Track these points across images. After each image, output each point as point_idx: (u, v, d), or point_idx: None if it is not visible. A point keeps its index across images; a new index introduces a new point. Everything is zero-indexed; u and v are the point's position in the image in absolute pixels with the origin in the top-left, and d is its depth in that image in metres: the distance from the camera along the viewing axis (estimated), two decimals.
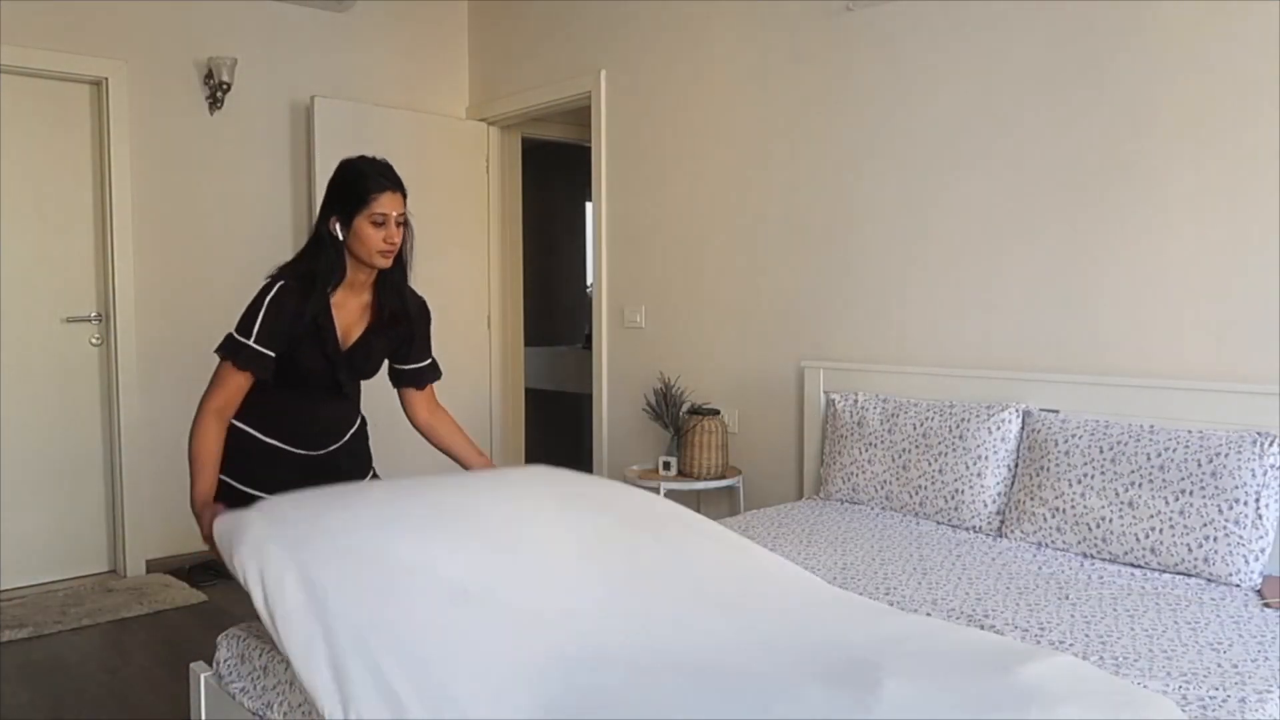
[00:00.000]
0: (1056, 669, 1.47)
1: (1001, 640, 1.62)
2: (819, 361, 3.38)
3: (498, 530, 1.76)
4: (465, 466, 2.41)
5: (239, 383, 2.15)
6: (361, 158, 2.24)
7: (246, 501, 2.02)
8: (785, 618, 1.70)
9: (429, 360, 2.44)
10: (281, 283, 2.16)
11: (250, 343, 2.13)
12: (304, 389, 2.26)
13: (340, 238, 2.18)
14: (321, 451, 2.36)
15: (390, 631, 1.48)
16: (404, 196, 2.22)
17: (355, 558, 1.60)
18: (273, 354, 2.15)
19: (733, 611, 1.71)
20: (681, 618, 1.67)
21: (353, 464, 2.43)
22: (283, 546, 1.61)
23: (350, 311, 2.27)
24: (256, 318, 2.14)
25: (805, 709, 1.37)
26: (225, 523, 1.74)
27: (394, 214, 2.17)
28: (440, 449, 2.45)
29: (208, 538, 1.90)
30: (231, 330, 2.16)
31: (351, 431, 2.43)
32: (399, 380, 2.43)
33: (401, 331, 2.34)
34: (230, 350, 2.14)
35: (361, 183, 2.17)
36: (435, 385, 2.46)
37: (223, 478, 2.24)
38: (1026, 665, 1.46)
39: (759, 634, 1.62)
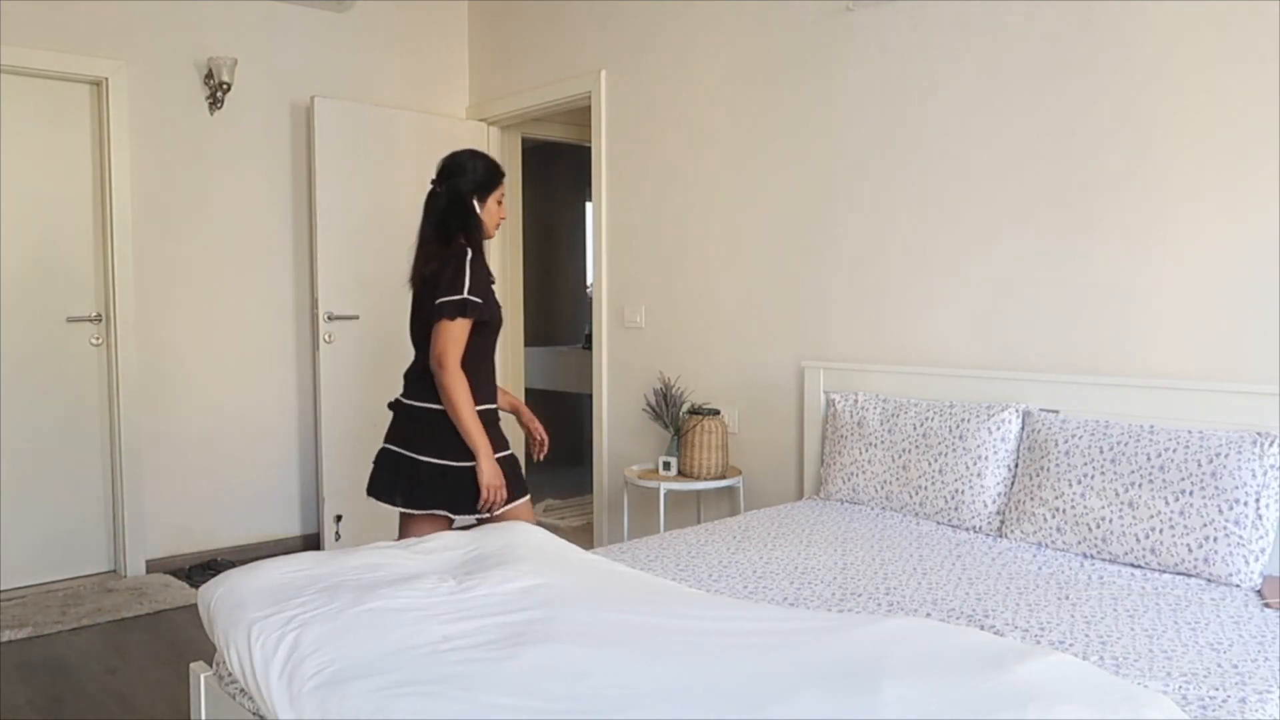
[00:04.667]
0: (1055, 668, 1.47)
1: (1000, 640, 1.62)
2: (819, 361, 3.38)
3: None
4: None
5: (466, 334, 2.52)
6: (476, 152, 2.70)
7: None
8: (777, 633, 1.69)
9: None
10: (469, 250, 2.56)
11: (471, 296, 2.49)
12: (489, 350, 2.65)
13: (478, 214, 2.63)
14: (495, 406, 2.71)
15: None
16: None
17: None
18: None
19: (721, 634, 1.70)
20: (674, 655, 1.64)
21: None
22: None
23: None
24: (465, 277, 2.50)
25: (803, 711, 1.37)
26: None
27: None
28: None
29: (499, 486, 2.51)
30: (448, 297, 2.48)
31: None
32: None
33: None
34: (459, 308, 2.48)
35: (495, 166, 2.70)
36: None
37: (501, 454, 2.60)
38: (1025, 664, 1.46)
39: (751, 647, 1.62)
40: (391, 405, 2.71)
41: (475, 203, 2.62)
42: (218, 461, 4.35)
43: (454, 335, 2.49)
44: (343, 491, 4.46)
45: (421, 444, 2.57)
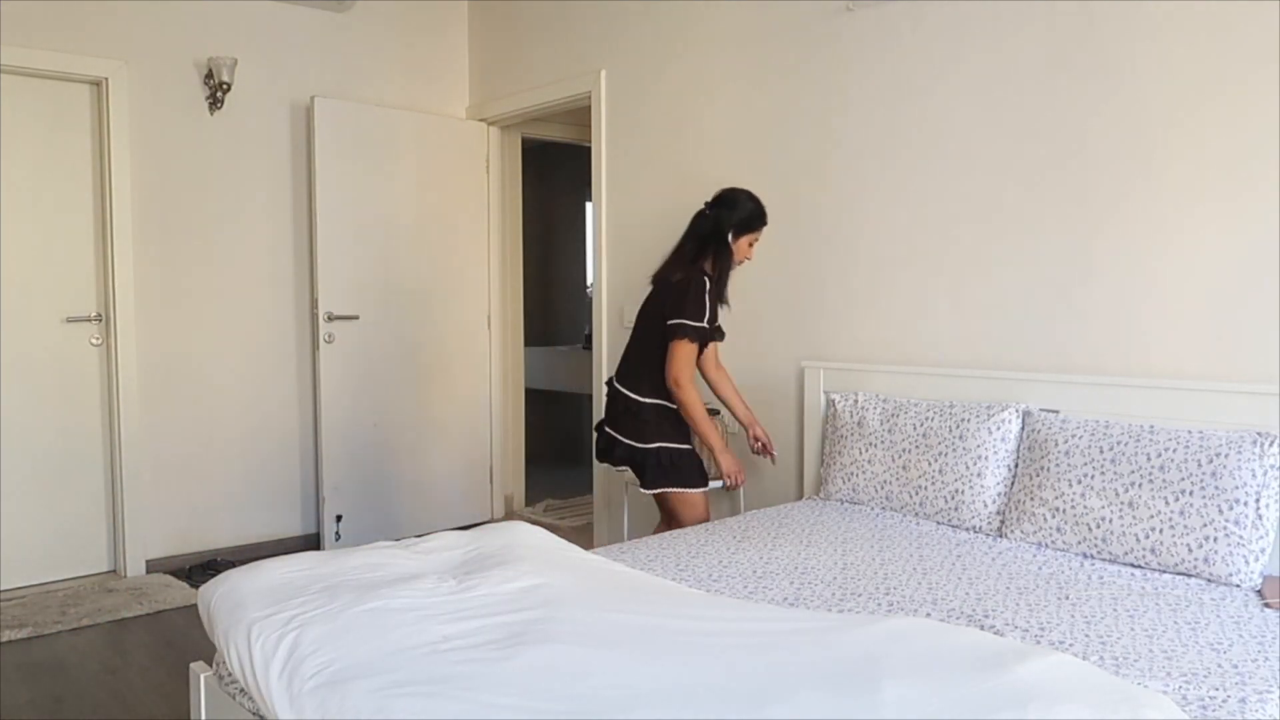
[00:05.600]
0: (1055, 668, 1.47)
1: (1000, 640, 1.62)
2: (819, 361, 3.38)
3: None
4: (734, 414, 3.31)
5: (695, 354, 2.97)
6: (752, 195, 3.08)
7: (690, 455, 3.06)
8: (777, 633, 1.69)
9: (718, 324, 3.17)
10: (706, 279, 2.96)
11: (704, 324, 2.95)
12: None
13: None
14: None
15: None
16: None
17: None
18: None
19: (721, 634, 1.69)
20: (673, 655, 1.64)
21: None
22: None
23: None
24: (703, 306, 2.94)
25: (803, 711, 1.37)
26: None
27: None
28: (718, 398, 3.31)
29: (738, 470, 3.11)
30: (684, 320, 2.91)
31: None
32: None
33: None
34: (693, 333, 2.92)
35: (761, 214, 3.08)
36: (719, 346, 3.32)
37: (669, 445, 3.01)
38: (1025, 664, 1.47)
39: (751, 647, 1.62)
40: (608, 384, 3.16)
41: (731, 235, 3.00)
42: (218, 461, 4.35)
43: (690, 356, 2.95)
44: (343, 491, 4.46)
45: (632, 431, 3.02)
